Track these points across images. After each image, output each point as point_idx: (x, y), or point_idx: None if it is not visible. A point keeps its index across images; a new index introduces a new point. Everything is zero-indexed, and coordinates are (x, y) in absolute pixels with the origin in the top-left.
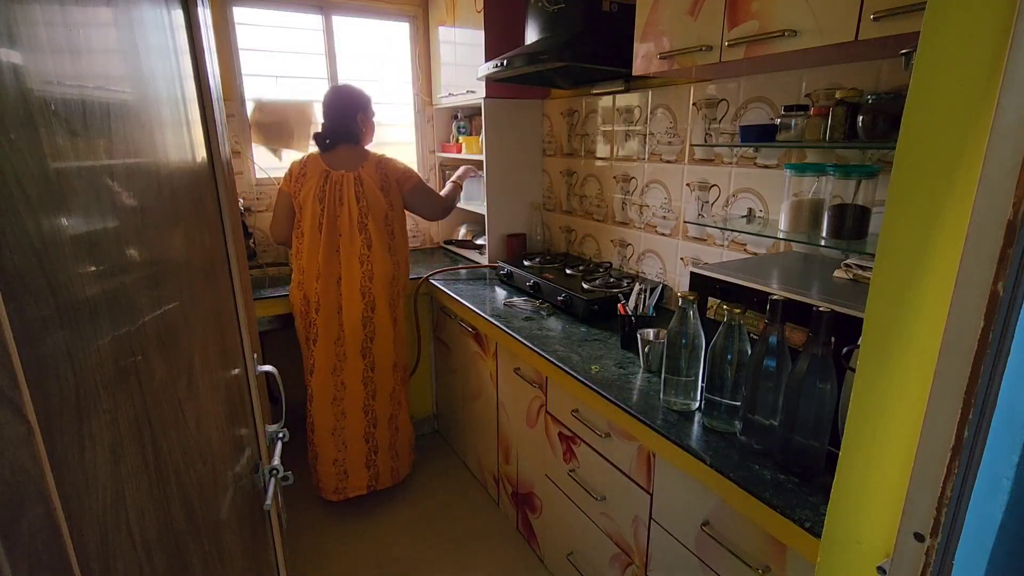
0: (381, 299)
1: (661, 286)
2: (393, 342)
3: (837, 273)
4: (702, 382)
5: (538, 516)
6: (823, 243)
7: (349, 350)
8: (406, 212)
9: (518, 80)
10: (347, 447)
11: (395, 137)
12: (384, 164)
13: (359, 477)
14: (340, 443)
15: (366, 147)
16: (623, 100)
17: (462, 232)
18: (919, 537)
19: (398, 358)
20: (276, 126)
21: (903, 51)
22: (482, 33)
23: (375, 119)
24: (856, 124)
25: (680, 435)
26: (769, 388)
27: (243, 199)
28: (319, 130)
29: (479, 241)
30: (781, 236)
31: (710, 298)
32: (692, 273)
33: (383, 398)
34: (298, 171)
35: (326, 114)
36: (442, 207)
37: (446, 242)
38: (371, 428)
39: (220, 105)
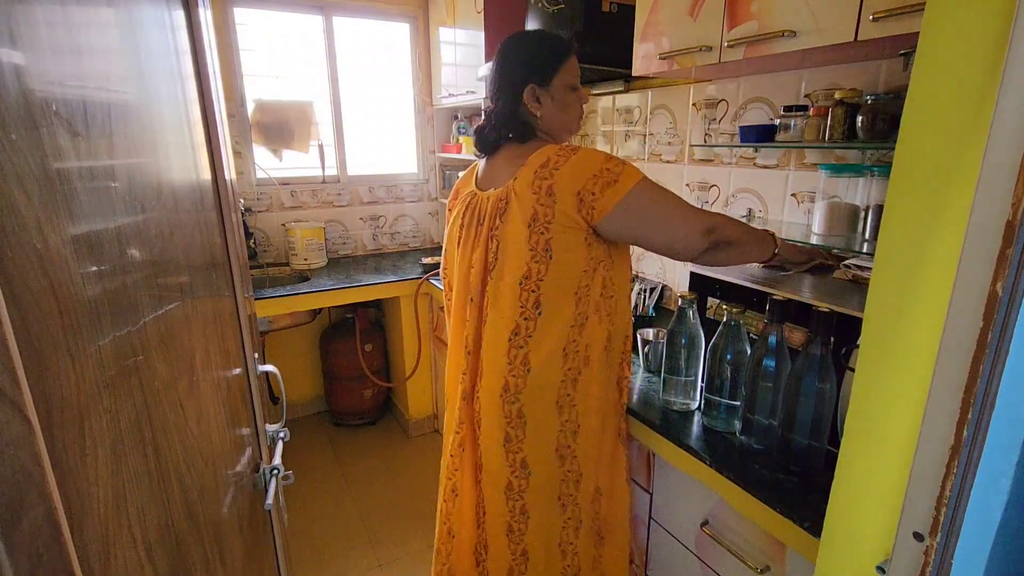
0: (486, 419)
1: (661, 286)
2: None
3: (837, 273)
4: (702, 382)
5: None
6: (866, 248)
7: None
8: (601, 264)
9: None
10: None
11: (395, 138)
12: (556, 163)
13: None
14: None
15: (548, 140)
16: (623, 100)
17: None
18: (918, 536)
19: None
20: (277, 126)
21: (902, 51)
22: (482, 33)
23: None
24: (855, 124)
25: (680, 435)
26: (768, 388)
27: (244, 199)
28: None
29: None
30: (814, 241)
31: (710, 298)
32: (692, 273)
33: None
34: (453, 191)
35: (487, 91)
36: (701, 223)
37: None
38: None
39: (221, 105)
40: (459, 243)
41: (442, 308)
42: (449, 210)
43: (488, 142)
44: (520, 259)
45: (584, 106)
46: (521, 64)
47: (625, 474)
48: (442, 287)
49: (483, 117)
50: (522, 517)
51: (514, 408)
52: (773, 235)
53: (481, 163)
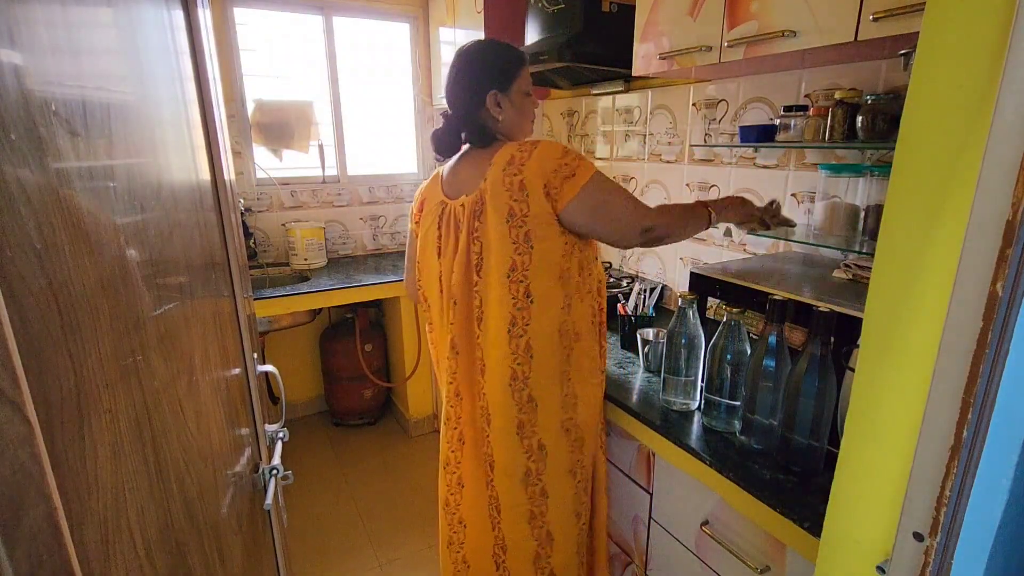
0: (497, 412)
1: (661, 286)
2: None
3: (837, 273)
4: (702, 382)
5: None
6: (866, 248)
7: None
8: (575, 246)
9: None
10: None
11: (395, 138)
12: (521, 159)
13: None
14: None
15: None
16: (623, 100)
17: None
18: (918, 537)
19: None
20: (276, 126)
21: (902, 51)
22: (482, 34)
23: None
24: (855, 124)
25: (680, 435)
26: (768, 388)
27: (244, 199)
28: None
29: None
30: (814, 241)
31: (710, 298)
32: (692, 273)
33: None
34: (418, 203)
35: (447, 98)
36: (640, 223)
37: None
38: None
39: (220, 105)
40: (439, 253)
41: None
42: (415, 221)
43: (445, 145)
44: (504, 254)
45: (536, 111)
46: (483, 71)
47: (602, 442)
48: (419, 298)
49: (443, 121)
50: (542, 499)
51: (524, 395)
52: (708, 208)
53: (444, 172)
